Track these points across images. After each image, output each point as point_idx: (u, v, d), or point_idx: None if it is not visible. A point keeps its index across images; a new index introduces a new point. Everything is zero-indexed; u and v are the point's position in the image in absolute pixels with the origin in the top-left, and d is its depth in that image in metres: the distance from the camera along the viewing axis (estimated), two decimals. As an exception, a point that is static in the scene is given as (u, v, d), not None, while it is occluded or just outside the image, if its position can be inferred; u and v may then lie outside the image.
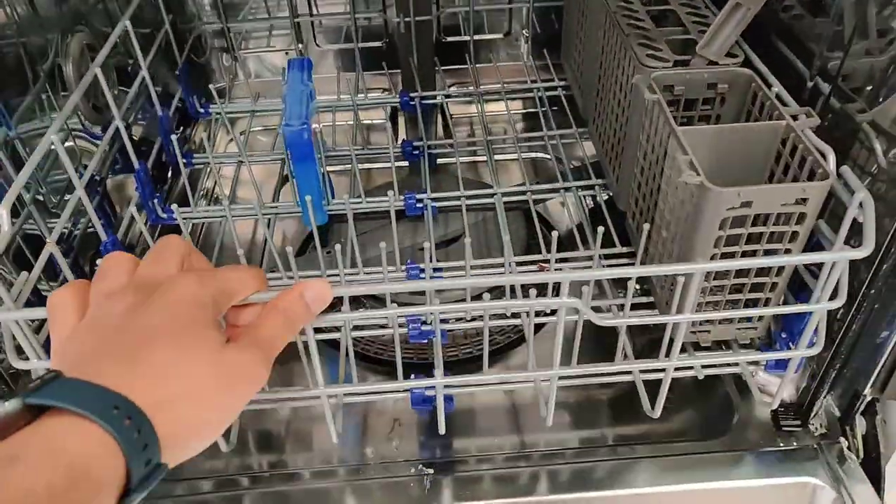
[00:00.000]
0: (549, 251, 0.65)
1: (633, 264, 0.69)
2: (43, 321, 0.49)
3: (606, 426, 0.66)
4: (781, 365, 0.59)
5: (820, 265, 0.50)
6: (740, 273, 0.56)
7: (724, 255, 0.54)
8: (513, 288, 0.68)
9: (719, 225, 0.52)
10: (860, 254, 0.45)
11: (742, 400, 0.66)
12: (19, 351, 0.47)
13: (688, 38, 0.67)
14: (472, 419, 0.67)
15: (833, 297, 0.49)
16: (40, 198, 0.62)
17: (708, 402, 0.67)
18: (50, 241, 0.56)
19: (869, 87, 0.54)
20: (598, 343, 0.60)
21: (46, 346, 0.47)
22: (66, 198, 0.64)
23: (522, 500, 0.56)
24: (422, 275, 0.71)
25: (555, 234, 0.60)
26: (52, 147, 0.58)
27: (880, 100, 0.53)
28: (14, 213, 0.54)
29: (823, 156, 0.52)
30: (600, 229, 0.61)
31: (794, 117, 0.56)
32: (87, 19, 0.74)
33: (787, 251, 0.53)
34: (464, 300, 0.68)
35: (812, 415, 0.61)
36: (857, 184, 0.49)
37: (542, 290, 0.55)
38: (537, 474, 0.58)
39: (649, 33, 0.68)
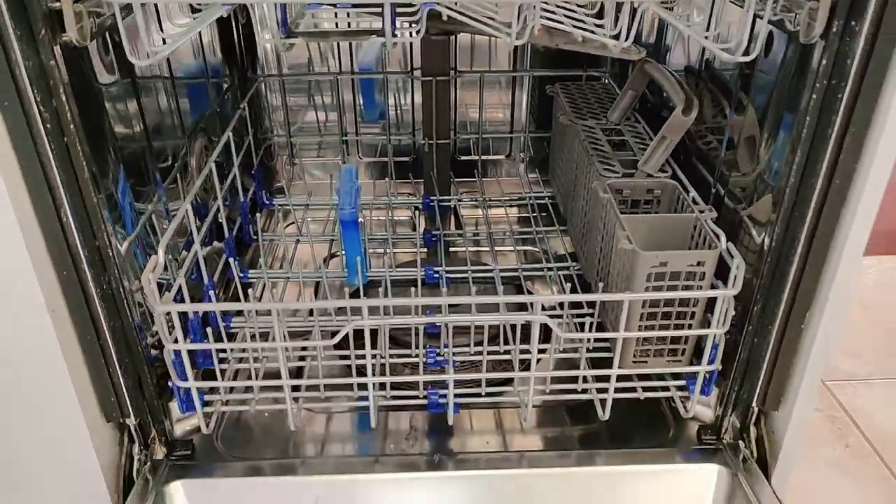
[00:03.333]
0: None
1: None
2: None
3: (570, 432, 0.87)
4: (701, 390, 0.81)
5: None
6: (665, 316, 0.79)
7: (651, 301, 0.78)
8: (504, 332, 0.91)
9: (646, 279, 0.76)
10: (730, 292, 0.70)
11: (676, 423, 0.87)
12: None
13: (635, 159, 0.94)
14: (469, 427, 0.88)
15: (720, 325, 0.72)
16: (168, 256, 0.87)
17: (649, 424, 0.87)
18: (180, 275, 0.80)
19: (746, 193, 0.80)
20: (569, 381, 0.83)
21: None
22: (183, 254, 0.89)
23: (506, 472, 0.76)
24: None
25: (537, 291, 0.84)
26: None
27: (753, 201, 0.78)
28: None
29: (718, 236, 0.77)
30: (567, 280, 0.84)
31: (702, 211, 0.82)
32: (205, 129, 1.02)
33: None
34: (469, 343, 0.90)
35: (723, 431, 0.82)
36: (736, 253, 0.74)
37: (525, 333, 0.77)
38: (518, 458, 0.79)
39: (607, 154, 0.95)
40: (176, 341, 0.71)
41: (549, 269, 1.07)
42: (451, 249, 1.21)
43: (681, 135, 0.87)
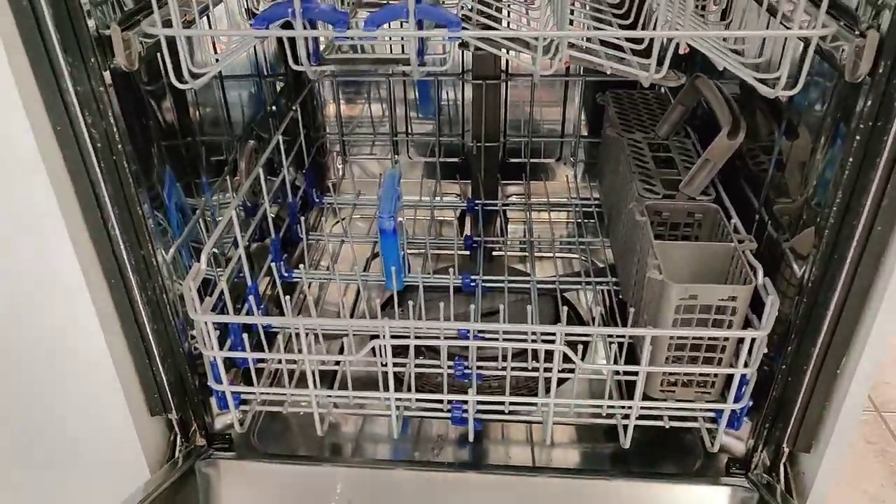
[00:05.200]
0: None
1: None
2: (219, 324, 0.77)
3: (597, 451, 0.87)
4: (731, 423, 0.80)
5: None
6: (695, 348, 0.78)
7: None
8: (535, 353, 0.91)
9: (675, 310, 0.75)
10: (760, 333, 0.67)
11: (705, 452, 0.85)
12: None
13: (678, 178, 0.92)
14: (497, 438, 0.89)
15: (746, 365, 0.70)
16: (215, 250, 0.91)
17: (679, 451, 0.86)
18: (222, 281, 0.84)
19: (790, 222, 0.77)
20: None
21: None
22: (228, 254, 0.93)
23: (525, 478, 0.79)
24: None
25: (564, 309, 0.83)
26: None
27: (796, 232, 0.75)
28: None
29: (755, 270, 0.75)
30: (598, 309, 0.84)
31: (741, 241, 0.80)
32: (256, 131, 1.06)
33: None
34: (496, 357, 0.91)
35: (753, 467, 0.80)
36: (772, 290, 0.71)
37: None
38: (541, 469, 0.80)
39: (650, 171, 0.93)
40: (213, 348, 0.75)
41: (588, 283, 1.06)
42: (494, 254, 1.21)
43: (725, 159, 0.84)
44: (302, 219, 1.07)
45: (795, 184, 0.78)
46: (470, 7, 0.73)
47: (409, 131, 1.36)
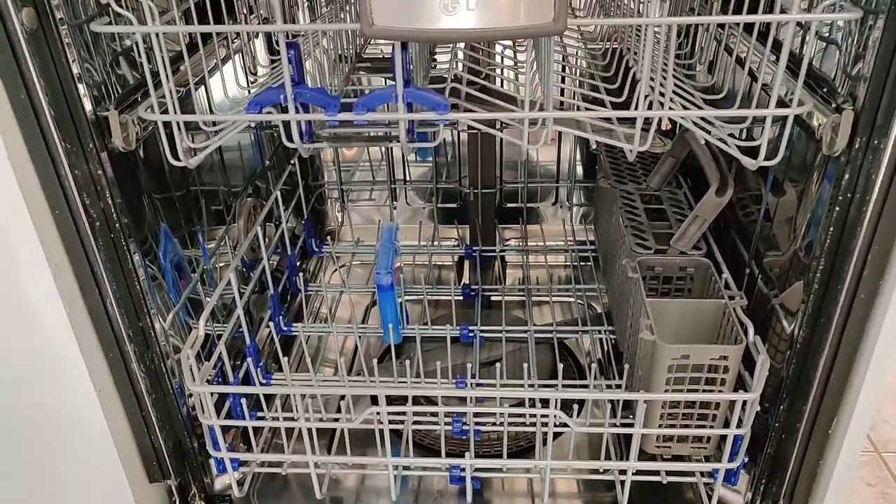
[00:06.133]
0: (566, 378, 0.89)
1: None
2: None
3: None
4: (728, 479, 0.80)
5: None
6: (689, 405, 0.78)
7: (674, 391, 0.77)
8: (533, 402, 0.92)
9: (667, 370, 0.75)
10: (750, 396, 0.68)
11: (704, 506, 0.85)
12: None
13: (670, 232, 0.93)
14: (498, 490, 0.89)
15: (739, 424, 0.71)
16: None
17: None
18: (221, 343, 0.85)
19: (780, 275, 0.78)
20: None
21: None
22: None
23: None
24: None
25: (560, 366, 0.84)
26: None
27: (785, 287, 0.76)
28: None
29: (745, 327, 0.75)
30: (594, 365, 0.85)
31: (732, 297, 0.80)
32: (255, 186, 1.08)
33: (720, 391, 0.76)
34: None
35: (751, 522, 0.80)
36: (762, 349, 0.72)
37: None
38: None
39: (642, 225, 0.94)
40: (211, 416, 0.76)
41: (585, 331, 1.07)
42: (493, 298, 1.22)
43: (715, 214, 0.85)
44: (301, 273, 1.08)
45: (783, 237, 0.79)
46: (459, 76, 0.75)
47: (407, 178, 1.38)
